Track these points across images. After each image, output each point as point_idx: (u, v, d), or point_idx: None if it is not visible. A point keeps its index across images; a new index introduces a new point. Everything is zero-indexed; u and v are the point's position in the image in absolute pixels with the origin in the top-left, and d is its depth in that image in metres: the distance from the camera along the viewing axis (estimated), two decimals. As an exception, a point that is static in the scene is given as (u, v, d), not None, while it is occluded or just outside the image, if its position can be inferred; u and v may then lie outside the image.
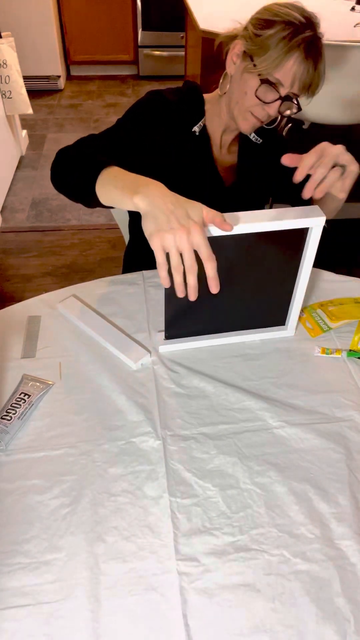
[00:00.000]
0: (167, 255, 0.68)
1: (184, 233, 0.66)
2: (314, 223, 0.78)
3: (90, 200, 0.83)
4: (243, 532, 0.67)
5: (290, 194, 1.15)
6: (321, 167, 0.78)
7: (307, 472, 0.74)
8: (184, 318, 0.88)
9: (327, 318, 0.98)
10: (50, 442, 0.76)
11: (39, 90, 3.90)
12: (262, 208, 1.18)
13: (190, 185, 1.05)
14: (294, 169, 1.15)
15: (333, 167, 0.78)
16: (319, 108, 1.90)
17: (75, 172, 0.85)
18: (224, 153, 1.11)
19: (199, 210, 0.70)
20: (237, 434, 0.78)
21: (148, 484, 0.71)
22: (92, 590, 0.61)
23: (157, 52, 4.10)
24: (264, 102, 0.94)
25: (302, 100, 0.96)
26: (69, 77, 4.21)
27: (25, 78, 2.79)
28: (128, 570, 0.63)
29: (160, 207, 0.68)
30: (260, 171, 1.13)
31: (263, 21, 0.91)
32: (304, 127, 2.04)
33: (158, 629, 0.58)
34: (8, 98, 2.67)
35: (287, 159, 0.79)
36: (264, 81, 0.91)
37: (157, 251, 0.68)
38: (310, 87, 0.93)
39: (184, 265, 0.68)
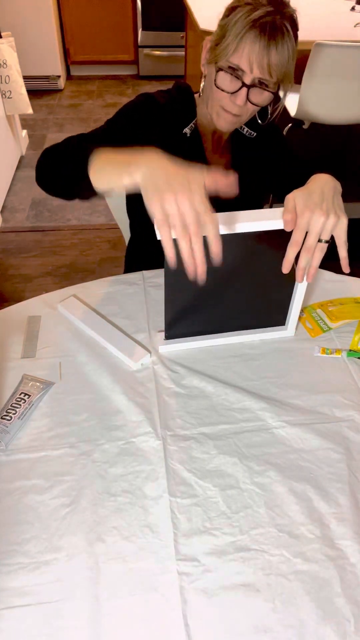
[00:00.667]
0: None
1: (185, 193, 0.63)
2: None
3: (83, 189, 0.79)
4: (243, 532, 0.67)
5: (286, 188, 1.14)
6: (305, 253, 0.76)
7: (307, 472, 0.74)
8: (184, 318, 0.88)
9: (327, 318, 0.98)
10: (50, 442, 0.76)
11: (39, 90, 3.90)
12: (261, 205, 1.17)
13: None
14: (291, 163, 1.13)
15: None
16: (319, 108, 1.90)
17: (65, 163, 0.82)
18: (218, 153, 1.09)
19: (200, 171, 0.66)
20: (237, 434, 0.78)
21: (148, 484, 0.71)
22: (92, 590, 0.61)
23: (157, 52, 4.10)
24: (227, 92, 0.89)
25: (279, 86, 0.90)
26: (69, 77, 4.21)
27: (25, 78, 2.79)
28: (128, 570, 0.63)
29: (159, 173, 0.65)
30: (255, 165, 1.10)
31: (229, 9, 0.86)
32: (304, 127, 2.04)
33: (158, 629, 0.58)
34: (8, 98, 2.67)
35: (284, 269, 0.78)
36: (220, 69, 0.87)
37: (156, 211, 0.64)
38: (274, 69, 0.85)
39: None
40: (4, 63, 2.53)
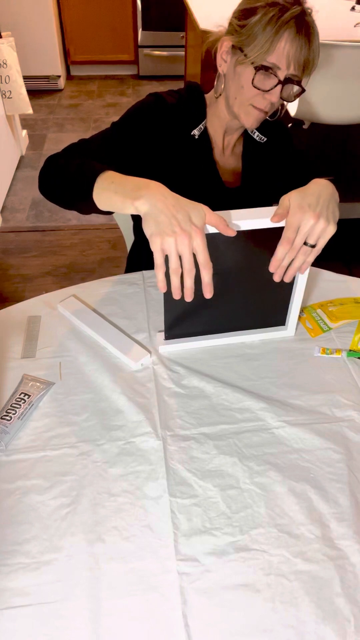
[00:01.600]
0: (165, 258, 0.69)
1: (185, 237, 0.67)
2: None
3: (86, 207, 0.81)
4: (243, 532, 0.67)
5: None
6: (290, 252, 0.77)
7: (307, 472, 0.74)
8: (184, 319, 0.88)
9: (327, 318, 0.98)
10: (50, 442, 0.76)
11: (39, 90, 3.90)
12: None
13: (192, 190, 1.04)
14: (300, 167, 1.14)
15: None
16: (319, 108, 1.90)
17: (69, 181, 0.83)
18: (227, 155, 1.09)
19: (202, 213, 0.69)
20: (237, 434, 0.78)
21: (148, 484, 0.71)
22: (92, 590, 0.61)
23: (157, 52, 4.10)
24: (263, 90, 0.90)
25: (303, 81, 0.93)
26: (69, 77, 4.22)
27: (25, 78, 2.79)
28: (128, 570, 0.63)
29: (162, 209, 0.68)
30: (265, 171, 1.11)
31: (245, 11, 0.88)
32: (304, 127, 2.04)
33: (158, 629, 0.58)
34: (8, 98, 2.67)
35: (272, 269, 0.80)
36: (259, 68, 0.88)
37: (156, 253, 0.68)
38: (307, 64, 0.89)
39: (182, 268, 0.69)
40: (4, 63, 2.53)
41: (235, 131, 1.06)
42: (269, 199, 1.15)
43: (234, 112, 0.98)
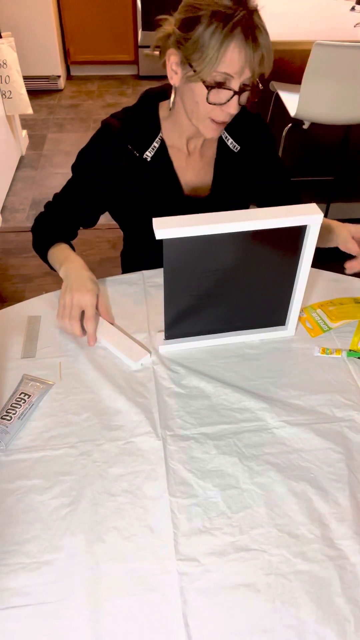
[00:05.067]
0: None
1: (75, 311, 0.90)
2: (311, 221, 0.78)
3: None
4: (243, 532, 0.67)
5: (268, 199, 1.11)
6: None
7: (307, 472, 0.74)
8: (184, 318, 0.88)
9: (327, 318, 0.98)
10: (50, 442, 0.76)
11: (39, 90, 3.90)
12: None
13: (155, 207, 1.03)
14: (275, 172, 1.13)
15: None
16: (319, 108, 1.90)
17: (37, 250, 1.07)
18: (195, 159, 1.05)
19: (87, 299, 0.89)
20: (237, 434, 0.78)
21: (148, 484, 0.71)
22: (92, 590, 0.61)
23: (157, 52, 4.09)
24: (219, 104, 0.86)
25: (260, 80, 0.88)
26: (69, 77, 4.21)
27: (25, 78, 2.79)
28: (128, 570, 0.63)
29: (64, 285, 0.93)
30: (237, 180, 1.07)
31: (187, 21, 0.83)
32: (304, 127, 2.04)
33: (158, 629, 0.58)
34: (8, 98, 2.67)
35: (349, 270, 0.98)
36: (211, 86, 0.84)
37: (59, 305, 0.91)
38: (261, 64, 0.84)
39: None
40: (4, 63, 2.53)
41: (200, 137, 1.02)
42: (242, 204, 1.10)
43: (193, 124, 0.95)
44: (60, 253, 1.01)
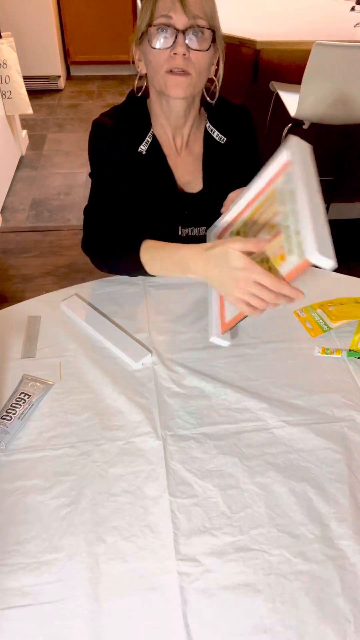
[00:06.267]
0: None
1: (244, 284, 0.73)
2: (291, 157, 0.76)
3: (137, 274, 1.00)
4: (243, 532, 0.67)
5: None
6: None
7: (307, 472, 0.74)
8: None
9: (327, 318, 0.98)
10: (50, 442, 0.76)
11: (39, 90, 3.90)
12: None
13: (153, 202, 1.03)
14: (252, 162, 1.12)
15: None
16: (319, 108, 1.89)
17: (118, 262, 0.99)
18: (184, 156, 1.05)
19: (234, 253, 0.74)
20: (237, 434, 0.78)
21: (148, 484, 0.71)
22: (92, 590, 0.61)
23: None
24: (167, 48, 0.86)
25: (214, 37, 0.89)
26: (69, 77, 4.21)
27: (25, 78, 2.79)
28: (128, 570, 0.63)
29: (213, 277, 0.78)
30: (226, 173, 1.07)
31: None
32: (304, 127, 2.04)
33: (158, 629, 0.58)
34: (8, 98, 2.67)
35: None
36: (151, 30, 0.86)
37: (240, 307, 0.76)
38: (195, 3, 0.84)
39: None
40: (4, 63, 2.53)
41: (182, 128, 1.02)
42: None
43: (158, 91, 0.94)
44: (155, 252, 0.90)
